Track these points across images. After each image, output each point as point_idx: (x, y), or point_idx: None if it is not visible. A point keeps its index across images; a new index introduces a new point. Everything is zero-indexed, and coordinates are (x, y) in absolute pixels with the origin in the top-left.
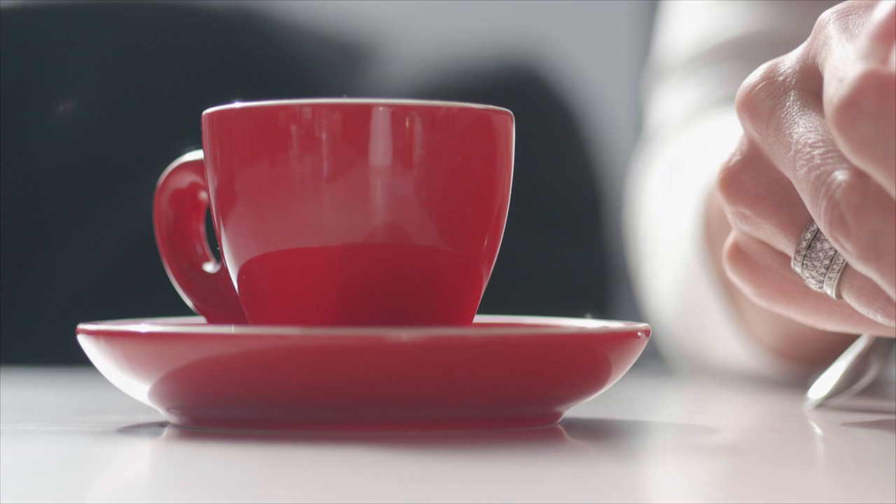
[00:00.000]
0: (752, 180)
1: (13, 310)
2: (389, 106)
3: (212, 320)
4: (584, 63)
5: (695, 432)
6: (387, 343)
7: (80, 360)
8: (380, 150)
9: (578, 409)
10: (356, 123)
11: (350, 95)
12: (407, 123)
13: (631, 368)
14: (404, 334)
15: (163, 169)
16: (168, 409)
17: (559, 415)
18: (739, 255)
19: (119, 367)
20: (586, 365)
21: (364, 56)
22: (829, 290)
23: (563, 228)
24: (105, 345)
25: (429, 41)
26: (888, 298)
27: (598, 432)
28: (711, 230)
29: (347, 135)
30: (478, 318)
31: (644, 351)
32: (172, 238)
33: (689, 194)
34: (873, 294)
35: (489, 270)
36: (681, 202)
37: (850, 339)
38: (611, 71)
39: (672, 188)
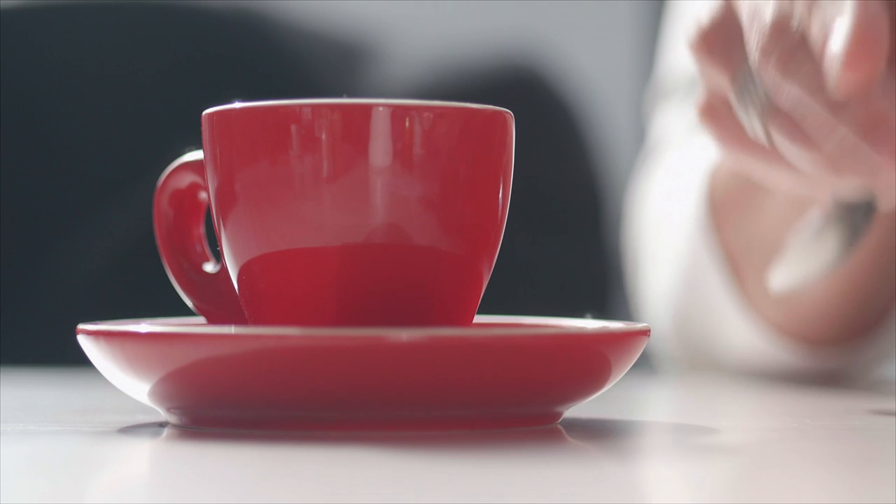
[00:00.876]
0: (718, 37)
1: (13, 310)
2: (389, 106)
3: (212, 320)
4: (584, 63)
5: (695, 432)
6: (387, 343)
7: (79, 361)
8: (380, 150)
9: (578, 410)
10: (356, 123)
11: (350, 96)
12: (407, 123)
13: (631, 368)
14: (404, 334)
15: (163, 169)
16: (168, 410)
17: (559, 415)
18: (709, 108)
19: (119, 367)
20: (586, 365)
21: (364, 56)
22: (758, 128)
23: (562, 229)
24: (105, 345)
25: (429, 42)
26: (806, 136)
27: (598, 432)
28: (715, 205)
29: (347, 135)
30: (478, 319)
31: (644, 351)
32: (172, 238)
33: (693, 176)
34: (795, 128)
35: (489, 270)
36: (684, 187)
37: (860, 319)
38: (611, 72)
39: (673, 183)
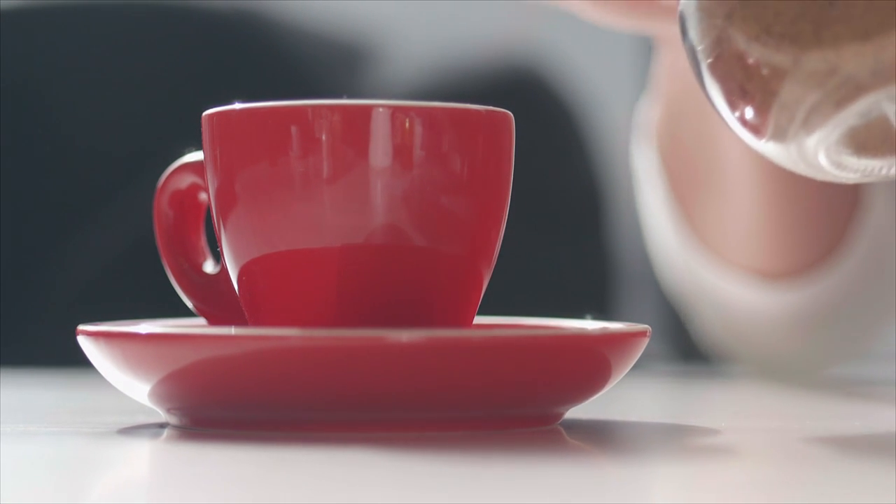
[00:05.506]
0: None
1: (13, 310)
2: (389, 107)
3: (212, 321)
4: (584, 64)
5: (695, 433)
6: (387, 344)
7: (80, 361)
8: (379, 150)
9: (578, 410)
10: (356, 124)
11: (350, 96)
12: (407, 124)
13: (631, 369)
14: (404, 335)
15: (163, 170)
16: (168, 411)
17: (559, 416)
18: None
19: (119, 368)
20: (586, 366)
21: (364, 57)
22: None
23: (562, 229)
24: (105, 346)
25: (429, 42)
26: None
27: (598, 433)
28: (662, 149)
29: (347, 136)
30: (478, 319)
31: (644, 351)
32: (172, 239)
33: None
34: None
35: (489, 271)
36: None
37: (809, 249)
38: (611, 73)
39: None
